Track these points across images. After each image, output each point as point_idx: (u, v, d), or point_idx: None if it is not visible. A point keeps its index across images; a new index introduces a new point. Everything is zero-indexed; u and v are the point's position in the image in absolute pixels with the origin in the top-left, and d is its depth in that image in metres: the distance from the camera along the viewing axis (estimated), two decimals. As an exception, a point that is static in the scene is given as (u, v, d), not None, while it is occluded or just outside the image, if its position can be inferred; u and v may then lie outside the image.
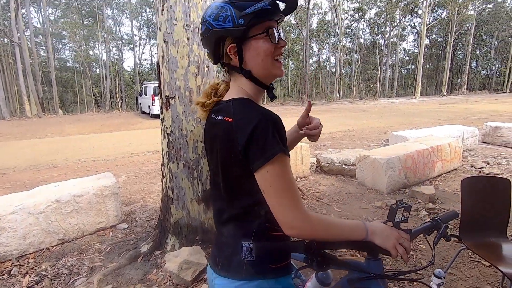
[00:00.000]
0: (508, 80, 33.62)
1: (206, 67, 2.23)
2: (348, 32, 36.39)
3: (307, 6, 24.67)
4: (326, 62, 39.34)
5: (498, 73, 38.55)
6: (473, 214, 1.88)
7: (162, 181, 2.45)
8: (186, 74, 2.17)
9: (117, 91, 24.97)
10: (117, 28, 30.32)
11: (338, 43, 31.04)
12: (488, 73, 40.29)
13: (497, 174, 4.34)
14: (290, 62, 34.22)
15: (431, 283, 1.58)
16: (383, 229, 0.79)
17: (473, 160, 5.08)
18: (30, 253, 2.44)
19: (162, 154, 2.38)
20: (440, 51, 39.91)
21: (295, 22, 29.76)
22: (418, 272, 0.81)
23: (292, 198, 0.69)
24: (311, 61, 36.32)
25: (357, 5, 34.03)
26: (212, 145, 0.81)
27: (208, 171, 2.32)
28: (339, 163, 4.42)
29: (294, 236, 0.70)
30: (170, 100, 2.21)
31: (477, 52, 38.06)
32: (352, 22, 36.65)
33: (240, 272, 0.76)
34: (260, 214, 0.77)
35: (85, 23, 27.00)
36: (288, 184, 0.69)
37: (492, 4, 33.13)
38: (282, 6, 0.80)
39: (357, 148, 5.86)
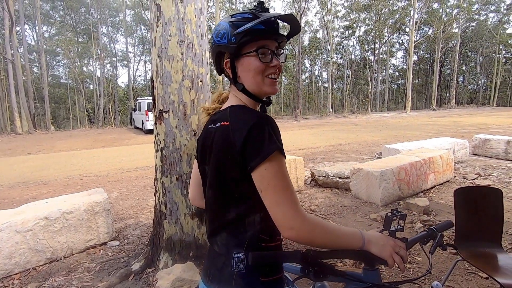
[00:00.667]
0: (494, 94, 34.71)
1: (200, 81, 2.25)
2: (339, 48, 37.48)
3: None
4: (318, 78, 40.21)
5: (484, 87, 39.81)
6: (467, 224, 1.88)
7: (155, 196, 2.41)
8: (180, 88, 2.19)
9: (110, 107, 24.93)
10: (112, 45, 30.69)
11: (329, 59, 31.87)
12: (475, 88, 41.59)
13: (489, 185, 4.39)
14: (283, 77, 34.82)
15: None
16: (379, 238, 0.78)
17: (464, 171, 5.14)
18: (15, 274, 2.34)
19: (155, 168, 2.36)
20: (428, 67, 41.21)
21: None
22: (416, 282, 0.80)
23: (290, 197, 0.69)
24: (303, 76, 37.07)
25: (346, 23, 35.25)
26: (206, 152, 0.82)
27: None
28: (333, 176, 4.43)
29: (291, 238, 0.69)
30: (163, 114, 2.21)
31: (464, 68, 39.44)
32: (343, 39, 37.83)
33: (230, 285, 0.75)
34: (255, 224, 0.77)
35: (79, 40, 27.26)
36: (286, 182, 0.70)
37: (475, 22, 34.65)
38: (287, 28, 0.87)
39: (351, 161, 5.89)
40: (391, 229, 0.84)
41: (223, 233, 0.79)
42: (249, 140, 0.70)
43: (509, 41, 34.84)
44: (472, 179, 4.70)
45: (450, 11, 31.32)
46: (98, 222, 2.77)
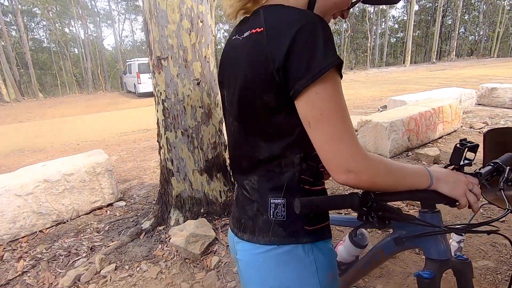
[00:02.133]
0: (496, 45, 33.68)
1: (201, 22, 1.98)
2: (337, 0, 35.15)
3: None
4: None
5: (486, 38, 38.49)
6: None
7: (159, 152, 2.26)
8: (178, 31, 1.92)
9: (99, 71, 23.80)
10: (93, 2, 28.43)
11: (326, 11, 30.03)
12: (476, 39, 40.21)
13: (496, 134, 4.32)
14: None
15: (451, 240, 1.51)
16: (449, 174, 0.64)
17: (471, 121, 5.04)
18: (22, 237, 2.27)
19: (158, 123, 2.18)
20: (430, 17, 39.30)
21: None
22: (492, 224, 0.68)
23: (349, 130, 0.51)
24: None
25: (345, -30, 32.61)
26: (231, 73, 0.62)
27: (209, 139, 2.16)
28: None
29: (349, 183, 0.53)
30: (162, 61, 1.97)
31: (466, 17, 37.67)
32: (341, -11, 35.33)
33: (267, 235, 0.61)
34: (294, 162, 0.60)
35: (57, -2, 25.12)
36: (344, 110, 0.51)
37: (482, -35, 32.29)
38: None
39: (355, 114, 5.74)
40: (460, 164, 0.69)
41: (253, 176, 0.64)
42: (295, 49, 0.49)
43: (516, -14, 32.85)
44: (479, 128, 4.61)
45: (457, -48, 28.96)
46: (101, 183, 2.66)
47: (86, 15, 24.68)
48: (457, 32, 32.06)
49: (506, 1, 33.62)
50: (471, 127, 4.73)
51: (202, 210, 2.22)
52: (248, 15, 0.63)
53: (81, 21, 23.56)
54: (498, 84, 6.33)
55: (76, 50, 27.41)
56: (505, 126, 4.56)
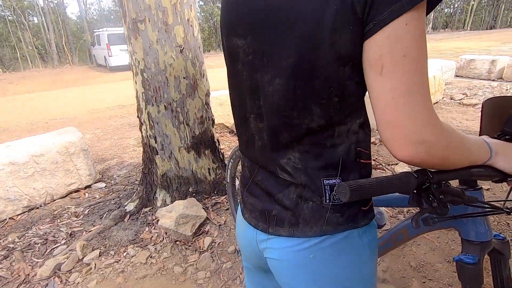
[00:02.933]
0: (469, 18, 34.41)
1: (181, -23, 1.72)
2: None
3: None
4: None
5: (460, 11, 39.12)
6: (493, 133, 1.78)
7: (140, 129, 2.07)
8: (155, -12, 1.66)
9: (64, 42, 21.90)
10: (51, -36, 25.48)
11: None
12: (451, 11, 40.78)
13: (475, 104, 4.43)
14: None
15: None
16: (507, 147, 0.54)
17: (451, 93, 5.13)
18: (-10, 226, 2.06)
19: (137, 96, 1.96)
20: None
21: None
22: None
23: (427, 86, 0.39)
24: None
25: None
26: (261, 12, 0.45)
27: (196, 114, 1.98)
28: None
29: (413, 161, 0.41)
30: (138, 24, 1.72)
31: (443, -11, 37.77)
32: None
33: (318, 225, 0.49)
34: (350, 131, 0.47)
35: (7, -42, 22.22)
36: (426, 56, 0.38)
37: None
38: None
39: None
40: None
41: (293, 152, 0.50)
42: None
43: (492, -43, 33.07)
44: (460, 99, 4.71)
45: None
46: (76, 164, 2.43)
47: (43, -22, 22.16)
48: (434, 4, 32.25)
49: (481, -27, 33.96)
50: (451, 98, 4.82)
51: (190, 190, 2.10)
52: None
53: (38, -15, 21.18)
54: (476, 56, 6.45)
55: (35, 19, 24.86)
56: (504, 95, 4.68)
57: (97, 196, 2.43)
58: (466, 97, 4.86)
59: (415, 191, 0.48)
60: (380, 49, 0.37)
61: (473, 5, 33.86)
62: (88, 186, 2.55)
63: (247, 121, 0.55)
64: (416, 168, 0.48)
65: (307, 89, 0.45)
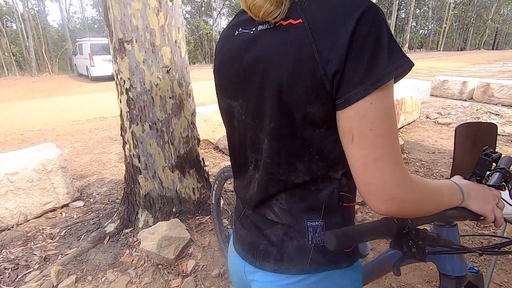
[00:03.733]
0: (442, 39, 36.65)
1: (170, 1, 1.75)
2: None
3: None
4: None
5: (434, 32, 41.62)
6: (464, 159, 1.88)
7: (123, 148, 2.03)
8: (144, 10, 1.68)
9: (44, 50, 21.26)
10: (33, -29, 25.01)
11: None
12: (426, 33, 43.32)
13: (449, 123, 4.68)
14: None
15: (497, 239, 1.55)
16: (478, 189, 0.59)
17: (427, 111, 5.39)
18: (-46, 249, 1.92)
19: (121, 115, 1.94)
20: (386, 10, 41.24)
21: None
22: None
23: (397, 150, 0.42)
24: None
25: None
26: (248, 79, 0.49)
27: (181, 133, 1.98)
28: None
29: (389, 212, 0.44)
30: (125, 44, 1.72)
31: (417, 12, 40.22)
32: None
33: (302, 263, 0.52)
34: (333, 178, 0.51)
35: (-13, -38, 21.64)
36: (395, 126, 0.42)
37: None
38: None
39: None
40: (485, 175, 0.65)
41: (282, 195, 0.53)
42: (356, 46, 0.38)
43: (461, -15, 35.72)
44: (435, 118, 4.96)
45: None
46: (53, 182, 2.34)
47: (24, -15, 21.65)
48: (409, 25, 34.19)
49: (452, -1, 36.49)
50: (427, 117, 5.07)
51: (174, 210, 2.06)
52: None
53: (19, -8, 20.63)
54: (449, 77, 6.86)
55: (14, 25, 24.09)
56: (475, 121, 4.93)
57: (75, 215, 2.33)
58: (441, 116, 5.12)
59: (396, 236, 0.51)
60: (349, 122, 0.41)
61: (445, 27, 36.15)
62: (66, 205, 2.45)
63: (247, 168, 0.59)
64: None
65: (290, 149, 0.48)
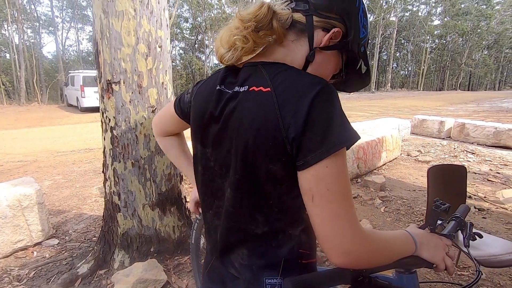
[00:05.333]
0: (421, 80, 39.08)
1: (159, 47, 1.87)
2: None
3: (250, -1, 24.59)
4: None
5: (413, 73, 44.49)
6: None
7: (104, 185, 2.01)
8: (133, 55, 1.78)
9: (35, 80, 21.38)
10: (32, 6, 25.99)
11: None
12: (406, 73, 46.24)
13: (429, 161, 4.85)
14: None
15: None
16: (429, 238, 0.64)
17: (408, 149, 5.60)
18: None
19: (104, 151, 1.95)
20: (369, 52, 44.18)
21: (238, 15, 29.54)
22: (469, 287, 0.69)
23: (352, 209, 0.48)
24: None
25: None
26: (222, 131, 0.55)
27: (164, 171, 1.99)
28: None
29: (344, 265, 0.49)
30: (113, 85, 1.80)
31: (398, 54, 43.28)
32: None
33: None
34: (293, 235, 0.55)
35: (-13, -3, 22.42)
36: (349, 187, 0.48)
37: (409, 12, 37.93)
38: None
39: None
40: (436, 225, 0.70)
41: (243, 250, 0.56)
42: (312, 118, 0.45)
43: (435, 32, 39.06)
44: (415, 156, 5.14)
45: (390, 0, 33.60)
46: (28, 218, 2.26)
47: (23, 19, 22.35)
48: (391, 66, 36.51)
49: (428, 44, 39.57)
50: (408, 155, 5.25)
51: (152, 249, 2.00)
52: (235, 66, 0.57)
53: (16, 25, 21.21)
54: (427, 116, 7.23)
55: (7, 55, 24.39)
56: (446, 163, 5.12)
57: (47, 255, 2.23)
58: (421, 154, 5.32)
59: (351, 283, 0.54)
60: (308, 183, 0.47)
61: (423, 69, 38.75)
62: (39, 243, 2.34)
63: (206, 215, 0.62)
64: None
65: (250, 200, 0.53)
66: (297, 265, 0.55)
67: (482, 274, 0.69)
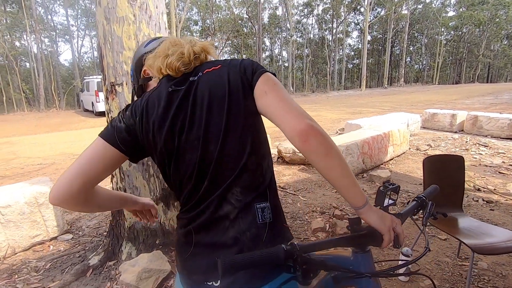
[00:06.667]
0: (436, 73, 37.94)
1: (158, 49, 1.97)
2: (298, 27, 37.50)
3: (258, 0, 24.65)
4: (278, 57, 40.12)
5: (428, 67, 43.24)
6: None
7: (111, 181, 2.13)
8: (134, 57, 1.89)
9: (53, 87, 22.27)
10: (49, 16, 27.05)
11: (289, 37, 31.78)
12: (420, 67, 44.99)
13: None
14: (244, 56, 34.10)
15: (399, 262, 1.59)
16: (378, 210, 0.70)
17: (417, 143, 5.52)
18: None
19: (110, 150, 2.07)
20: (381, 47, 43.33)
21: (247, 16, 29.65)
22: (416, 262, 0.73)
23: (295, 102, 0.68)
24: (264, 55, 36.67)
25: (305, 0, 35.19)
26: (199, 106, 0.70)
27: (166, 167, 2.09)
28: (300, 152, 4.43)
29: (310, 150, 0.61)
30: (116, 87, 1.91)
31: (411, 48, 42.18)
32: (302, 18, 37.87)
33: (260, 239, 0.67)
34: (269, 166, 0.74)
35: (7, 9, 23.52)
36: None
37: (422, 4, 36.89)
38: None
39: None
40: (384, 205, 0.74)
41: (236, 189, 0.67)
42: (255, 63, 0.74)
43: (450, 24, 37.85)
44: (425, 150, 5.06)
45: (401, -8, 32.79)
46: (44, 215, 2.42)
47: (40, 29, 23.31)
48: (404, 61, 35.66)
49: (443, 36, 38.37)
50: (417, 149, 5.17)
51: (157, 242, 2.11)
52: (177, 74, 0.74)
53: (34, 34, 22.16)
54: (439, 110, 7.07)
55: (27, 64, 25.51)
56: (439, 154, 5.03)
57: (62, 248, 2.38)
58: (431, 148, 5.23)
59: (284, 262, 0.57)
60: (261, 84, 0.70)
61: (438, 62, 37.61)
62: (54, 238, 2.50)
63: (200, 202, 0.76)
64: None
65: (241, 145, 0.70)
66: (275, 189, 0.74)
67: (429, 250, 0.73)
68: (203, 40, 0.81)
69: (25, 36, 23.78)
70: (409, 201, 0.84)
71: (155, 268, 1.85)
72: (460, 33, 39.11)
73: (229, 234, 0.66)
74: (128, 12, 1.84)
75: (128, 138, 0.68)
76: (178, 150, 0.68)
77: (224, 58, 0.79)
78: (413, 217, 0.84)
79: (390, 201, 0.75)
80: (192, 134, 0.68)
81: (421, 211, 0.87)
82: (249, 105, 0.69)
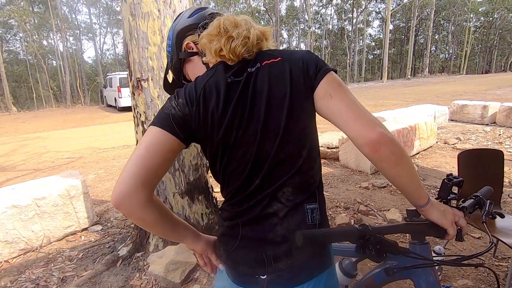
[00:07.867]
0: (464, 63, 35.98)
1: (182, 43, 1.97)
2: (317, 18, 36.64)
3: (275, -9, 24.28)
4: (296, 48, 39.52)
5: (455, 56, 41.07)
6: (469, 186, 1.85)
7: (138, 175, 2.18)
8: (159, 53, 1.90)
9: (78, 84, 23.18)
10: (73, 15, 28.00)
11: (307, 29, 31.13)
12: (446, 57, 42.79)
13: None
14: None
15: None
16: (440, 204, 0.70)
17: (445, 137, 5.27)
18: (-15, 269, 2.10)
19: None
20: (403, 36, 41.60)
21: (264, 8, 29.33)
22: (479, 257, 0.71)
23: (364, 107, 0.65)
24: (281, 47, 36.21)
25: (324, -10, 34.27)
26: (258, 100, 0.66)
27: (191, 161, 2.11)
28: (321, 146, 4.36)
29: (381, 159, 0.59)
30: (142, 82, 1.94)
31: (436, 37, 40.15)
32: (320, 8, 36.92)
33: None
34: (317, 169, 0.71)
35: (35, 10, 24.57)
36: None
37: (449, -11, 34.89)
38: None
39: (337, 131, 5.85)
40: (448, 198, 0.72)
41: (288, 188, 0.66)
42: (318, 59, 0.68)
43: (480, 9, 35.63)
44: (453, 144, 4.83)
45: (426, -23, 31.15)
46: (75, 207, 2.52)
47: (65, 28, 24.20)
48: (429, 50, 34.01)
49: (471, 23, 36.23)
50: (445, 143, 4.94)
51: (183, 234, 2.14)
52: (233, 62, 0.69)
53: (60, 33, 23.06)
54: (468, 101, 6.71)
55: (54, 62, 26.67)
56: (476, 148, 4.79)
57: (93, 239, 2.48)
58: (460, 141, 4.98)
59: (361, 241, 0.61)
60: (325, 85, 0.66)
61: (466, 51, 35.62)
62: (85, 229, 2.61)
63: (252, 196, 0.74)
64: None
65: (297, 145, 0.69)
66: (322, 192, 0.71)
67: (494, 245, 0.70)
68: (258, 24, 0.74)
69: (51, 35, 24.80)
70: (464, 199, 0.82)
71: (182, 260, 1.88)
72: (491, 18, 36.72)
73: (277, 232, 0.65)
74: (153, 7, 1.85)
75: (184, 125, 0.65)
76: (235, 144, 0.66)
77: (281, 49, 0.75)
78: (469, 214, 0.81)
79: (452, 195, 0.73)
80: (249, 130, 0.65)
81: (478, 209, 0.86)
82: (310, 107, 0.66)
